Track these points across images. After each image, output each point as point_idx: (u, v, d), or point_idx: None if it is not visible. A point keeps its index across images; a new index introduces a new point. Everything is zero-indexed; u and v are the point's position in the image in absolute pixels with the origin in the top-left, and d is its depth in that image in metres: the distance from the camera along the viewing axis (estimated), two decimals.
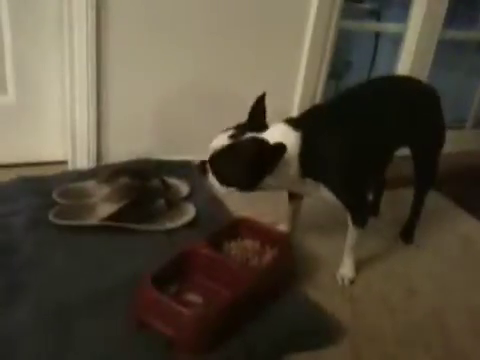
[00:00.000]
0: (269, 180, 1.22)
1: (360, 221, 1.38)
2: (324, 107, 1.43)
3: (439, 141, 1.57)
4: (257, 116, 1.27)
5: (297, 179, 1.27)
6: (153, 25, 1.70)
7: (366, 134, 1.33)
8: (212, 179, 1.25)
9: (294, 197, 1.51)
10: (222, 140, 1.21)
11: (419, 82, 1.60)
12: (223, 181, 1.23)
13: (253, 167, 1.19)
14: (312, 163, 1.25)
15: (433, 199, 1.68)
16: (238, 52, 1.85)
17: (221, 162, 1.22)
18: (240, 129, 1.23)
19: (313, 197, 1.36)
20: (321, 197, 1.32)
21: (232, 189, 1.24)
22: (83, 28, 1.60)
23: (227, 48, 1.83)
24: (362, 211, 1.40)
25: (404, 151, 1.52)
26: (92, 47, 1.63)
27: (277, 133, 1.22)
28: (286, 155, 1.17)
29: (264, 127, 1.24)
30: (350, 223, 1.39)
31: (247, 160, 1.19)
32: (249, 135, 1.21)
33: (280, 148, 1.16)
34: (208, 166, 1.24)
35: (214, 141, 1.23)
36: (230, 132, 1.22)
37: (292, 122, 1.27)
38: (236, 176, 1.22)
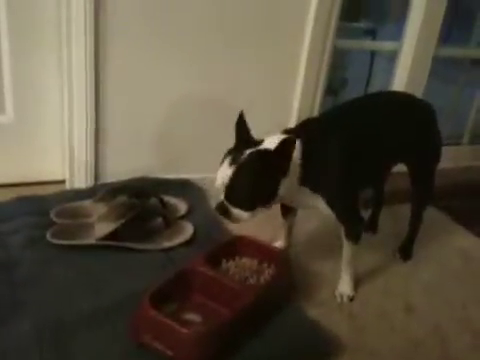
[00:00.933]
0: (282, 187, 1.22)
1: (353, 235, 1.38)
2: (320, 118, 1.45)
3: (435, 157, 1.58)
4: (245, 134, 1.26)
5: (297, 187, 1.27)
6: (152, 45, 1.72)
7: (362, 146, 1.34)
8: (237, 212, 1.22)
9: (288, 213, 1.52)
10: (226, 171, 1.19)
11: (415, 98, 1.61)
12: (247, 206, 1.21)
13: (268, 177, 1.19)
14: (310, 171, 1.26)
15: (431, 214, 1.68)
16: (237, 71, 1.87)
17: (237, 190, 1.19)
18: (235, 152, 1.21)
19: (308, 209, 1.37)
20: (316, 208, 1.32)
21: (259, 209, 1.23)
22: (81, 47, 1.61)
23: (226, 67, 1.85)
24: (356, 225, 1.40)
25: (401, 167, 1.53)
26: (90, 67, 1.64)
27: (276, 141, 1.20)
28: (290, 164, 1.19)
29: (258, 142, 1.24)
30: (344, 238, 1.39)
31: (260, 173, 1.18)
32: (248, 152, 1.20)
33: (289, 141, 1.16)
34: (226, 203, 1.22)
35: (218, 178, 1.21)
36: (228, 160, 1.20)
37: (290, 131, 1.29)
38: (257, 194, 1.21)
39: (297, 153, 1.23)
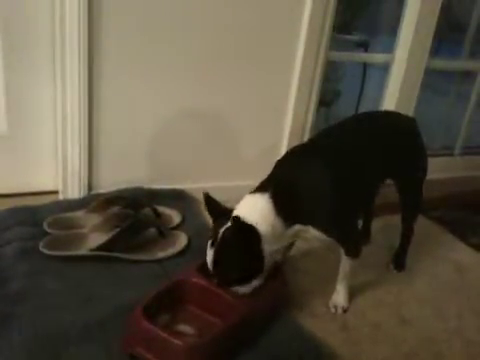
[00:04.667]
0: (269, 248, 1.19)
1: (353, 252, 1.38)
2: (302, 150, 1.38)
3: (422, 172, 1.58)
4: (217, 209, 1.24)
5: (287, 232, 1.25)
6: (145, 60, 1.72)
7: (347, 172, 1.31)
8: (235, 289, 1.20)
9: None
10: (209, 254, 1.19)
11: (398, 115, 1.61)
12: (239, 282, 1.20)
13: (247, 249, 1.17)
14: (295, 211, 1.23)
15: (423, 225, 1.69)
16: (230, 83, 1.88)
17: (223, 271, 1.19)
18: (214, 231, 1.20)
19: (308, 239, 1.36)
20: (314, 237, 1.31)
21: (255, 278, 1.21)
22: (75, 58, 1.61)
23: (218, 79, 1.86)
24: (354, 242, 1.40)
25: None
26: (84, 78, 1.64)
27: (247, 207, 1.20)
28: (265, 224, 1.17)
29: (230, 213, 1.20)
30: (343, 254, 1.39)
31: (238, 250, 1.16)
32: (222, 230, 1.18)
33: (248, 231, 1.15)
34: (222, 284, 1.21)
35: (208, 261, 1.20)
36: (210, 242, 1.20)
37: (259, 188, 1.25)
38: (244, 269, 1.19)
39: (271, 209, 1.19)
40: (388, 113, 1.66)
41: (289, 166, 1.32)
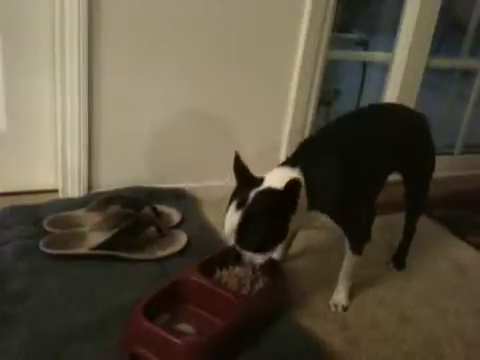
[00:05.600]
0: (293, 220, 1.19)
1: (358, 248, 1.40)
2: (316, 139, 1.42)
3: (430, 167, 1.60)
4: (245, 174, 1.23)
5: (306, 214, 1.25)
6: (145, 60, 1.72)
7: (361, 161, 1.34)
8: (250, 256, 1.19)
9: None
10: (233, 216, 1.16)
11: (409, 109, 1.63)
12: (262, 248, 1.19)
13: (278, 216, 1.16)
14: (317, 195, 1.24)
15: (423, 224, 1.69)
16: (230, 83, 1.87)
17: (248, 235, 1.16)
18: (240, 195, 1.18)
19: (315, 229, 1.37)
20: (325, 227, 1.32)
21: (274, 247, 1.21)
22: (75, 57, 1.61)
23: (218, 79, 1.85)
24: (361, 238, 1.42)
25: (392, 177, 1.54)
26: (84, 76, 1.64)
27: (278, 177, 1.19)
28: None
29: (259, 180, 1.21)
30: (348, 251, 1.39)
31: (269, 214, 1.15)
32: (253, 193, 1.18)
33: (294, 183, 1.13)
34: (239, 248, 1.18)
35: (227, 224, 1.18)
36: (234, 204, 1.17)
37: (287, 163, 1.27)
38: (269, 236, 1.18)
39: (301, 183, 1.19)
40: (401, 106, 1.67)
41: (312, 151, 1.33)
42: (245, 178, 1.22)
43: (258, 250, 1.19)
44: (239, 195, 1.18)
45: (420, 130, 1.57)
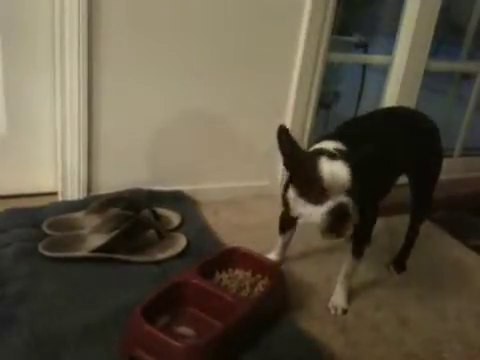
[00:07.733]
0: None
1: (360, 250, 1.40)
2: (332, 136, 1.38)
3: (437, 170, 1.61)
4: (293, 143, 1.22)
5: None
6: (144, 62, 1.72)
7: (385, 159, 1.32)
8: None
9: (287, 229, 1.52)
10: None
11: (423, 114, 1.64)
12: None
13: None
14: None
15: (423, 226, 1.69)
16: (229, 85, 1.87)
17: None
18: (328, 156, 1.16)
19: None
20: None
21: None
22: (74, 60, 1.61)
23: (218, 81, 1.85)
24: (367, 241, 1.41)
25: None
26: (84, 79, 1.64)
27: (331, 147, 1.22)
28: None
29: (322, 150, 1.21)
30: (350, 253, 1.40)
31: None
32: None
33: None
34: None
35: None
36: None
37: (331, 137, 1.30)
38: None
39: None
40: (414, 111, 1.72)
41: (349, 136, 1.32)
42: (291, 149, 1.21)
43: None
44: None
45: (433, 135, 1.59)
